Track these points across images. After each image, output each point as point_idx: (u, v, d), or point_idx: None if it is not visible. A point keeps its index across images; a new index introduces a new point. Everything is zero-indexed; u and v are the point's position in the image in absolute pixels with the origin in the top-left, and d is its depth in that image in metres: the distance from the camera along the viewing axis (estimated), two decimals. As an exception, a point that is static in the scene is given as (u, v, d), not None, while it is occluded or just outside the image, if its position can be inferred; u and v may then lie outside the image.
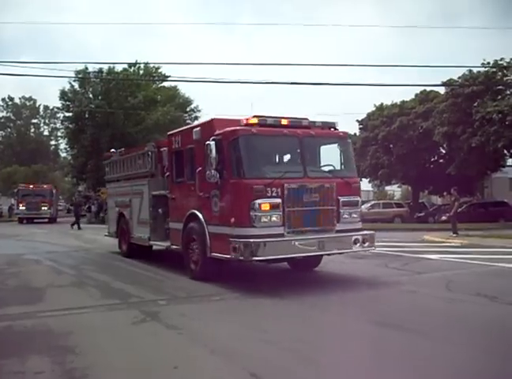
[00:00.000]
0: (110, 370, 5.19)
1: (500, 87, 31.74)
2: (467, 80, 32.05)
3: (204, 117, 46.74)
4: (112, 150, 16.52)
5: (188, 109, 49.14)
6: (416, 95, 39.22)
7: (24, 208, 41.45)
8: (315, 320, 7.27)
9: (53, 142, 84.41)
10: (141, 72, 45.15)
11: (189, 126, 11.26)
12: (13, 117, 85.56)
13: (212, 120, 10.18)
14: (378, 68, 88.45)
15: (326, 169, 10.11)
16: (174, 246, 11.49)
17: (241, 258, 8.84)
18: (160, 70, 44.21)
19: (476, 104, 31.52)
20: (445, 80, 32.36)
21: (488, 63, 31.05)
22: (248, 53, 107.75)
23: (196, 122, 12.59)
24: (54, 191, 45.02)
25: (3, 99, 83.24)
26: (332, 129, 10.41)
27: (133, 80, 42.63)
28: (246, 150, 9.28)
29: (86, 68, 40.04)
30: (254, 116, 9.64)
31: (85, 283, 10.76)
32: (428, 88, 37.95)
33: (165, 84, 46.87)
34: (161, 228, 12.55)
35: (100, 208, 39.62)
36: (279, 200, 9.01)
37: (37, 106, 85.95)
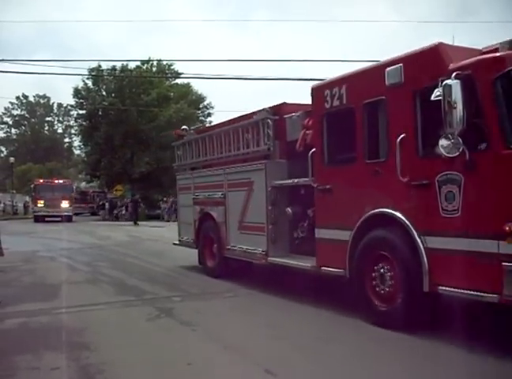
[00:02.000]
0: (124, 366, 5.20)
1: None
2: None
3: (217, 114, 46.76)
4: (184, 127, 13.19)
5: (201, 106, 49.21)
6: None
7: (42, 205, 37.46)
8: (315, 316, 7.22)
9: (67, 140, 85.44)
10: (154, 69, 45.33)
11: (365, 67, 7.03)
12: (27, 115, 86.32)
13: (437, 46, 5.83)
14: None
15: None
16: (328, 269, 7.31)
17: None
18: (172, 67, 44.43)
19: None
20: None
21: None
22: (261, 49, 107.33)
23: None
24: (74, 187, 43.32)
25: (18, 98, 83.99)
26: None
27: (146, 78, 42.82)
28: None
29: (99, 65, 40.42)
30: None
31: (100, 279, 10.83)
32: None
33: (178, 81, 47.08)
34: (286, 237, 8.69)
35: (113, 206, 40.01)
36: None
37: (51, 104, 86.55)
